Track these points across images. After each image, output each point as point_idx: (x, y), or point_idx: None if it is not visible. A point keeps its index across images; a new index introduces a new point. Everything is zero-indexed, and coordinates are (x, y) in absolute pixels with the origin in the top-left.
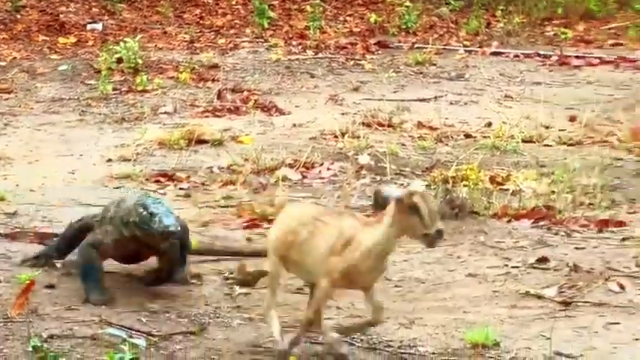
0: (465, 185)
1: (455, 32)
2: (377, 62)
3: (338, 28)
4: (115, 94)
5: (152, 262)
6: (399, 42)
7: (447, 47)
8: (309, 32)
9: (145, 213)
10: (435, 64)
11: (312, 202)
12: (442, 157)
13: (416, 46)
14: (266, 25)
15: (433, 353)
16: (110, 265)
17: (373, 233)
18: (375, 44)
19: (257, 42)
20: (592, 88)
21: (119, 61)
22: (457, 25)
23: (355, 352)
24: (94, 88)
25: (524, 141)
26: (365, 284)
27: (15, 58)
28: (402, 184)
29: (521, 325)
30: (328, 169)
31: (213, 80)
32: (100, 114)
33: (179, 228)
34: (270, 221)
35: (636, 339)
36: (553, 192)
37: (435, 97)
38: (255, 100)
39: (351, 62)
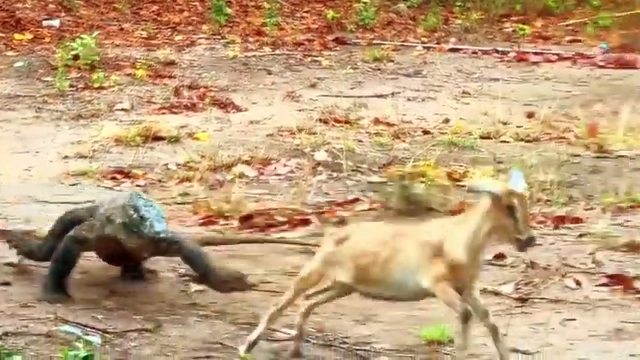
0: (421, 182)
1: (413, 29)
2: (334, 59)
3: (295, 25)
4: (71, 90)
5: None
6: (357, 38)
7: (404, 44)
8: (267, 29)
9: (135, 215)
10: (392, 61)
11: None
12: (399, 154)
13: (373, 42)
14: (223, 22)
15: (388, 350)
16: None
17: (467, 228)
18: (332, 41)
19: (214, 39)
20: (550, 85)
21: (76, 57)
22: (415, 21)
23: (310, 349)
24: (51, 85)
25: (481, 137)
26: (466, 281)
27: None
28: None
29: (477, 321)
30: (285, 165)
31: (170, 77)
32: (57, 111)
33: (170, 234)
34: (226, 218)
35: (592, 335)
36: None
37: (393, 94)
38: (212, 97)
39: (309, 59)
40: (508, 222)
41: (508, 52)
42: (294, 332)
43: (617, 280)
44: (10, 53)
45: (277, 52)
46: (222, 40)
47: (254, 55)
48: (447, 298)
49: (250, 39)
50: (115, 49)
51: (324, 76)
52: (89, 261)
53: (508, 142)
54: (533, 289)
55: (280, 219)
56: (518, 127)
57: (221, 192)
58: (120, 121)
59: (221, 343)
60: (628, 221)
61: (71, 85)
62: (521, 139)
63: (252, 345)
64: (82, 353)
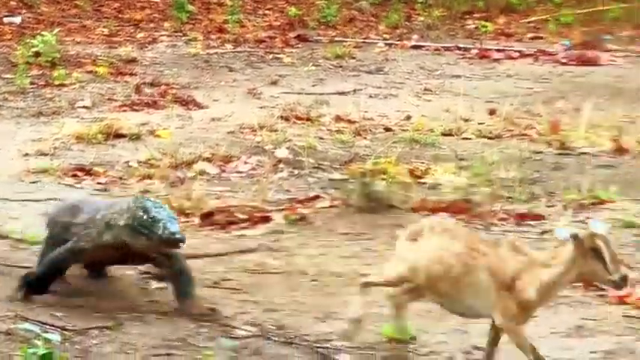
0: (383, 179)
1: (375, 26)
2: (296, 56)
3: (257, 22)
4: (32, 88)
5: None
6: (319, 35)
7: (366, 41)
8: (228, 26)
9: (145, 217)
10: (354, 58)
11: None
12: (360, 151)
13: (335, 39)
14: (185, 19)
15: (349, 347)
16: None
17: (550, 272)
18: (294, 38)
19: (176, 36)
20: (512, 82)
21: (37, 54)
22: (377, 18)
23: (271, 346)
24: (11, 82)
25: (443, 134)
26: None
27: None
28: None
29: (438, 319)
30: (246, 162)
31: (131, 74)
32: (17, 108)
33: (184, 236)
34: (187, 215)
35: (553, 332)
36: (472, 185)
37: (354, 91)
38: (174, 94)
39: (270, 56)
40: (596, 265)
41: (470, 49)
42: (254, 329)
43: None
44: None
45: (239, 49)
46: (183, 38)
47: (216, 53)
48: (517, 341)
49: (212, 36)
50: (77, 47)
51: (286, 73)
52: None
53: (470, 139)
54: None
55: (241, 216)
56: (480, 124)
57: (182, 189)
58: (81, 119)
59: (182, 340)
60: (589, 218)
61: (32, 83)
62: (483, 136)
63: None
64: (41, 351)
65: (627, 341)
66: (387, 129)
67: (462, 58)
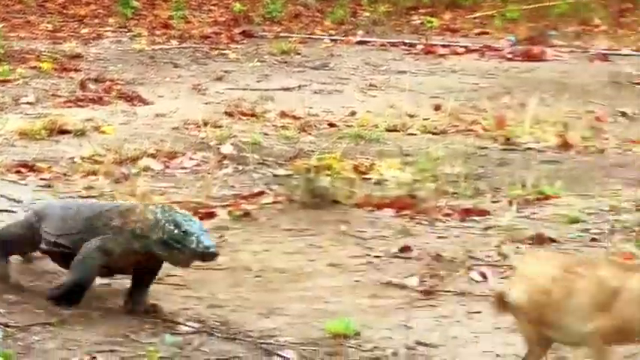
0: (327, 175)
1: (320, 21)
2: (241, 52)
3: (202, 18)
4: None
5: None
6: (264, 31)
7: (312, 36)
8: (174, 22)
9: (177, 231)
10: (299, 54)
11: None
12: (305, 147)
13: (281, 35)
14: (130, 15)
15: (293, 343)
16: None
17: None
18: (239, 34)
19: (120, 32)
20: (457, 77)
21: None
22: (322, 14)
23: (214, 342)
24: None
25: (388, 130)
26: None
27: None
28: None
29: (382, 314)
30: (191, 159)
31: (75, 70)
32: None
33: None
34: None
35: (497, 328)
36: (416, 181)
37: (300, 87)
38: (118, 90)
39: (215, 52)
40: None
41: (416, 44)
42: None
43: None
44: None
45: (184, 45)
46: (128, 34)
47: (161, 49)
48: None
49: (157, 32)
50: (21, 42)
51: (231, 69)
52: None
53: (415, 134)
54: (438, 281)
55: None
56: (425, 119)
57: (126, 185)
58: (25, 115)
59: (125, 337)
60: (534, 214)
61: None
62: (428, 132)
63: None
64: None
65: None
66: (332, 125)
67: (408, 53)
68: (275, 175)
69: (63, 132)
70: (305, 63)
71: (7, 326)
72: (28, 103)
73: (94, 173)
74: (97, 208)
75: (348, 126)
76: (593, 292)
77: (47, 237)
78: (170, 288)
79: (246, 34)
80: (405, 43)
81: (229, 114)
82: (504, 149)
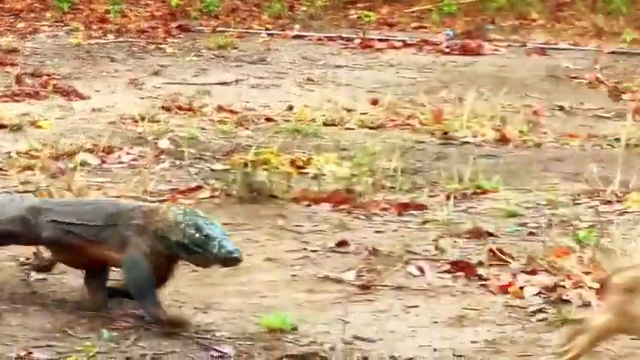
0: (264, 169)
1: (257, 16)
2: (178, 46)
3: (139, 12)
4: None
5: None
6: (201, 26)
7: (249, 31)
8: (110, 16)
9: (198, 235)
10: (236, 48)
11: None
12: (243, 141)
13: (218, 29)
14: (66, 9)
15: (230, 338)
16: None
17: None
18: (176, 28)
19: (57, 26)
20: (394, 71)
21: None
22: (259, 8)
23: (152, 337)
24: None
25: (325, 124)
26: None
27: None
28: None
29: (319, 309)
30: (128, 153)
31: (12, 64)
32: None
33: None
34: None
35: (435, 322)
36: (354, 175)
37: (237, 81)
38: (55, 85)
39: (152, 46)
40: None
41: (353, 39)
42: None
43: (460, 266)
44: None
45: (121, 39)
46: (65, 28)
47: (97, 43)
48: None
49: (94, 26)
50: None
51: (168, 63)
52: None
53: (352, 129)
54: (375, 276)
55: None
56: (362, 114)
57: (63, 180)
58: None
59: (62, 332)
60: (472, 208)
61: None
62: (366, 126)
63: None
64: None
65: (509, 331)
66: (270, 119)
67: (345, 48)
68: (212, 170)
69: None
70: (242, 57)
71: None
72: None
73: (31, 168)
74: (120, 205)
75: (285, 120)
76: None
77: (56, 225)
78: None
79: (183, 29)
80: (342, 38)
81: (166, 108)
82: (442, 143)
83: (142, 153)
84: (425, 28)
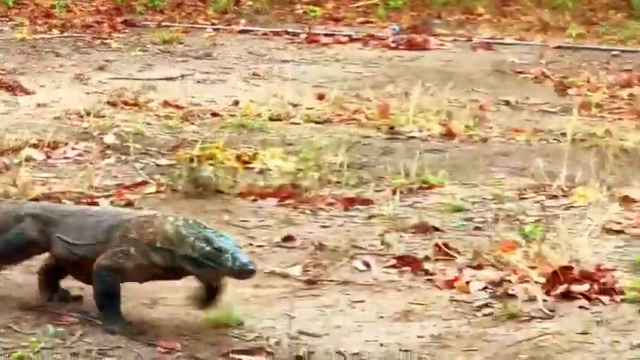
0: (210, 164)
1: (203, 10)
2: (123, 41)
3: (84, 7)
4: None
5: None
6: (146, 20)
7: (194, 25)
8: (55, 11)
9: (208, 248)
10: (182, 43)
11: None
12: (188, 136)
13: (163, 24)
14: (11, 4)
15: (175, 334)
16: None
17: None
18: (121, 23)
19: (2, 21)
20: (340, 66)
21: None
22: (205, 3)
23: (97, 333)
24: None
25: (271, 119)
26: None
27: None
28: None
29: (265, 304)
30: (73, 149)
31: None
32: None
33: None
34: None
35: (381, 317)
36: (300, 170)
37: (182, 76)
38: (0, 80)
39: (98, 41)
40: None
41: (299, 33)
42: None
43: (406, 261)
44: None
45: (66, 34)
46: (10, 23)
47: (42, 38)
48: None
49: (39, 21)
50: None
51: (113, 58)
52: None
53: (298, 123)
54: (321, 271)
55: (67, 202)
56: (308, 108)
57: (8, 175)
58: None
59: (7, 327)
60: (418, 202)
61: None
62: (312, 121)
63: None
64: None
65: (455, 325)
66: (215, 114)
67: (291, 42)
68: (158, 165)
69: None
70: (188, 52)
71: None
72: None
73: None
74: (119, 217)
75: (231, 115)
76: None
77: (63, 244)
78: None
79: (128, 24)
80: (288, 32)
81: (112, 104)
82: (388, 138)
83: (87, 148)
84: (371, 22)
